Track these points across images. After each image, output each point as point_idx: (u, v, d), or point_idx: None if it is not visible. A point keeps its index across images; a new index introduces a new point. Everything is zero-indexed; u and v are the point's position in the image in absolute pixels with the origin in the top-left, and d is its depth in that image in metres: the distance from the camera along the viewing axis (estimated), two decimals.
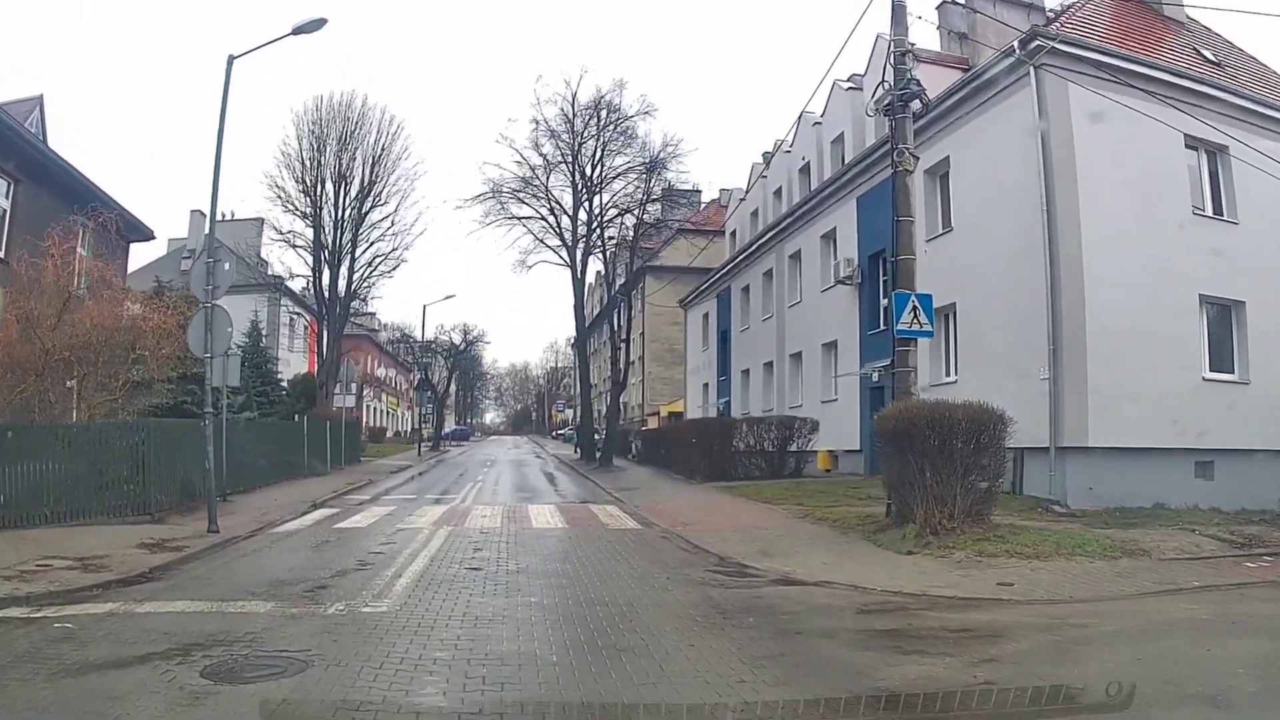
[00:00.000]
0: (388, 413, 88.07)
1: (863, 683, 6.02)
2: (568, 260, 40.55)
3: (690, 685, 5.89)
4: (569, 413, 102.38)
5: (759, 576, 10.92)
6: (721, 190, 68.22)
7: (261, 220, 42.84)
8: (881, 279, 27.57)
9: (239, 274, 41.32)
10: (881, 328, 27.02)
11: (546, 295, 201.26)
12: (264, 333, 40.08)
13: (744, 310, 39.70)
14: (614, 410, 36.64)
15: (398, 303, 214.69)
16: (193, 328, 16.48)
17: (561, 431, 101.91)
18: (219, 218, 50.30)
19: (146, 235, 33.55)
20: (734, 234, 44.20)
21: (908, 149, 15.70)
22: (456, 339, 60.96)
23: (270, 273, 44.02)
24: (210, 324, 15.93)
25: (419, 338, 61.90)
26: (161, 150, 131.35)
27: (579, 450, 44.39)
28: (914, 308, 15.04)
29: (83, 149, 58.30)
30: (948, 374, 23.68)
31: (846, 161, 30.27)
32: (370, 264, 40.71)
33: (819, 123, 34.26)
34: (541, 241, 40.86)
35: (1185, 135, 19.75)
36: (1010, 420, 13.99)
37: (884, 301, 27.36)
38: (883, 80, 16.41)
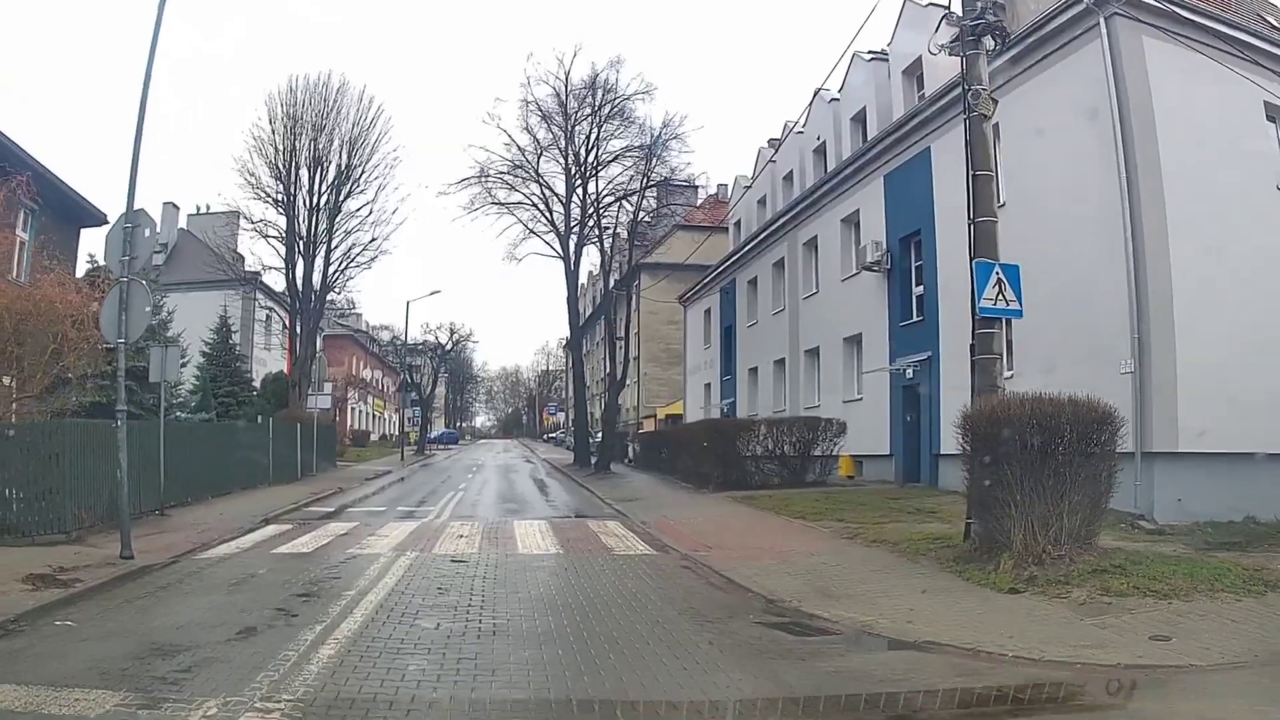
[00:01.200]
0: (373, 416, 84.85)
1: None
2: (560, 251, 37.64)
3: None
4: (560, 416, 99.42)
5: (831, 632, 7.94)
6: (719, 185, 65.82)
7: (238, 214, 39.60)
8: (914, 264, 24.75)
9: (211, 269, 38.73)
10: (915, 318, 24.21)
11: (538, 294, 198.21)
12: (233, 329, 37.00)
13: (751, 304, 36.77)
14: (611, 411, 33.75)
15: (382, 303, 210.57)
16: (105, 307, 13.41)
17: (553, 435, 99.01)
18: (195, 210, 46.74)
19: (98, 219, 30.36)
20: (738, 224, 41.27)
21: (984, 90, 12.72)
22: (443, 338, 57.95)
23: (246, 269, 40.85)
24: (125, 302, 12.85)
25: (402, 337, 59.15)
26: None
27: (573, 455, 41.38)
28: (999, 281, 12.04)
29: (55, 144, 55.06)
30: (1005, 368, 20.85)
31: (870, 138, 27.35)
32: (347, 254, 37.64)
33: (836, 99, 31.40)
34: (532, 231, 37.98)
35: (1265, 103, 17.06)
36: (1122, 420, 11.12)
37: (917, 289, 24.55)
38: (948, 11, 13.38)
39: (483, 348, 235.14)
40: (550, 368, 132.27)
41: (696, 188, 68.10)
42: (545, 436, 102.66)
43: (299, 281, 36.32)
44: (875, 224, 26.09)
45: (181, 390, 31.13)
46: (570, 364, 42.96)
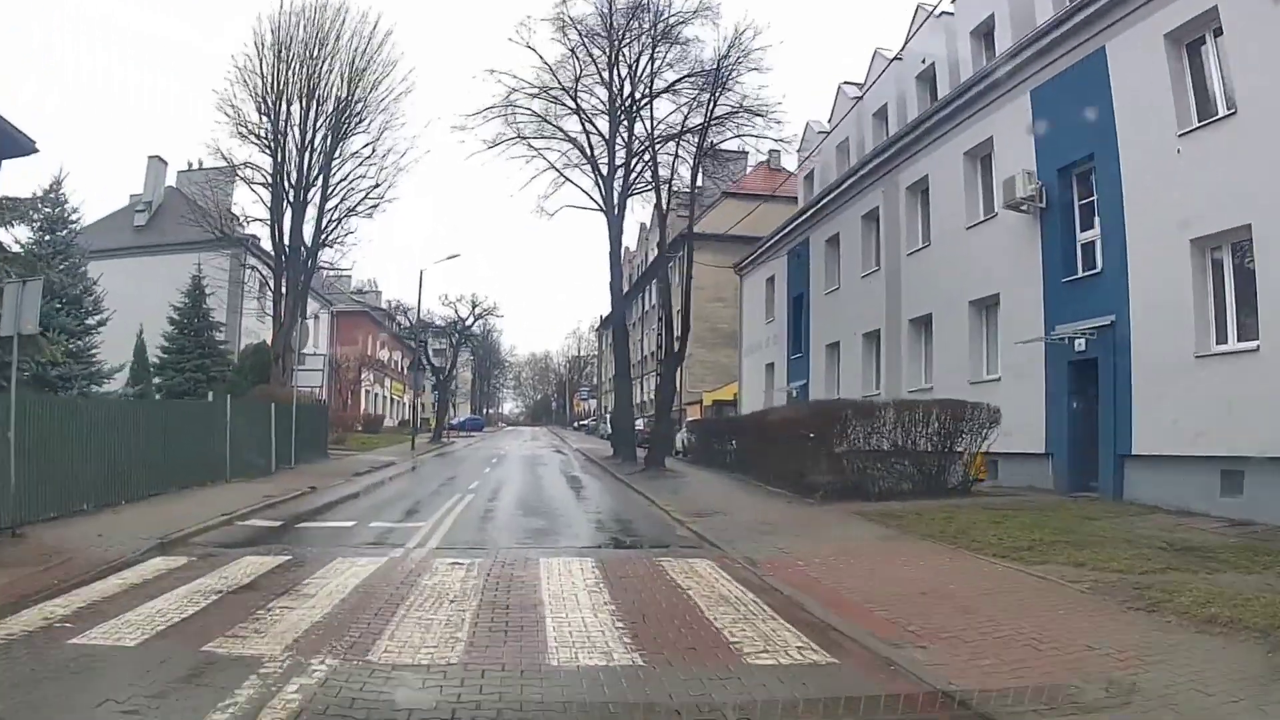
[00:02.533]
0: (391, 400, 79.00)
1: None
2: (600, 201, 31.30)
3: None
4: (592, 403, 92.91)
5: None
6: (771, 151, 59.42)
7: (234, 169, 33.37)
8: (1079, 202, 18.34)
9: (199, 229, 32.64)
10: (1086, 271, 17.82)
11: (569, 270, 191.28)
12: (208, 291, 30.98)
13: (830, 267, 30.36)
14: (667, 392, 27.26)
15: (403, 280, 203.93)
16: None
17: (584, 422, 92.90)
18: (187, 166, 40.64)
19: (26, 149, 24.26)
20: (810, 177, 34.78)
21: None
22: (463, 311, 51.55)
23: (241, 230, 34.76)
24: None
25: (417, 309, 52.95)
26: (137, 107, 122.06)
27: (612, 445, 35.05)
28: None
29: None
30: (1240, 337, 14.61)
31: (1004, 49, 20.83)
32: (344, 200, 31.49)
33: (948, 13, 24.85)
34: (567, 179, 31.78)
35: None
36: None
37: (1085, 235, 18.12)
38: None
39: (510, 332, 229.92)
40: (581, 352, 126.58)
41: (745, 154, 62.70)
42: (576, 424, 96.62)
43: (286, 234, 30.25)
44: (1018, 154, 19.73)
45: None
46: (611, 338, 36.17)
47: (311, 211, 30.84)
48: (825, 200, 30.50)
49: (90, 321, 21.20)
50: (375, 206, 32.18)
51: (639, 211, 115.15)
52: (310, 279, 32.00)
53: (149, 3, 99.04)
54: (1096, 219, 17.72)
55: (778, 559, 10.12)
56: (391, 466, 28.21)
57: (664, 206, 29.85)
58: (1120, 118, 16.77)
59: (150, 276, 33.71)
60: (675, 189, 33.93)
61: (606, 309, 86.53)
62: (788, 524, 13.22)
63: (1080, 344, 17.37)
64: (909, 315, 24.54)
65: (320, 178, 30.80)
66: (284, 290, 29.87)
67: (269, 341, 31.10)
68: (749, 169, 60.00)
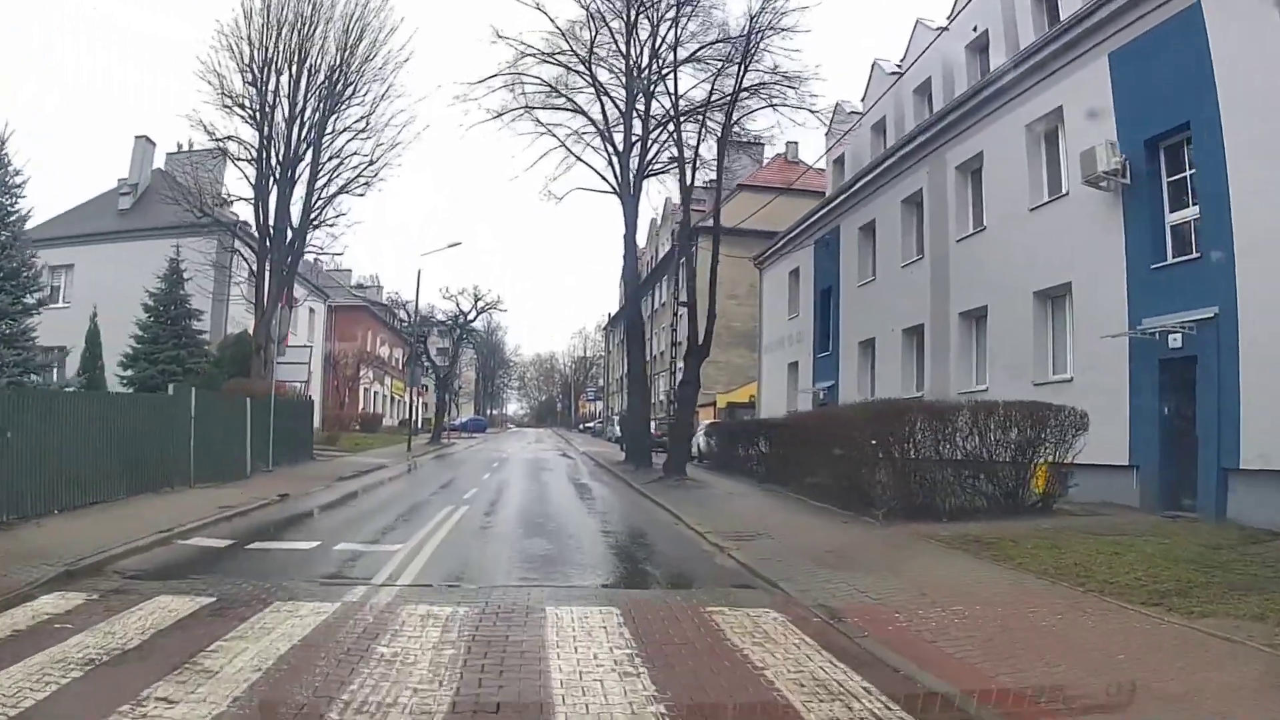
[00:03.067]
0: (392, 399, 76.46)
1: None
2: (615, 181, 28.73)
3: None
4: (598, 404, 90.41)
5: None
6: (788, 143, 57.32)
7: (217, 143, 30.71)
8: (1167, 180, 15.88)
9: (187, 213, 30.13)
10: (1180, 256, 15.40)
11: (577, 267, 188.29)
12: (186, 277, 28.47)
13: (863, 257, 27.86)
14: (690, 392, 24.46)
15: (404, 274, 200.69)
16: None
17: (590, 424, 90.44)
18: (177, 148, 38.11)
19: None
20: (841, 161, 32.27)
21: None
22: (465, 304, 48.90)
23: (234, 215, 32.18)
24: None
25: (417, 304, 50.48)
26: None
27: (624, 449, 32.55)
28: None
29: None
30: None
31: (1072, 12, 18.30)
32: (335, 176, 28.92)
33: None
34: (578, 158, 29.26)
35: None
36: None
37: (1175, 216, 15.64)
38: None
39: (515, 332, 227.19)
40: (588, 353, 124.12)
41: (761, 144, 60.39)
42: (581, 426, 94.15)
43: (271, 214, 27.75)
44: (1094, 125, 17.15)
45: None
46: (622, 334, 33.36)
47: (300, 190, 28.33)
48: (859, 184, 27.98)
49: (29, 300, 18.67)
50: (369, 184, 29.55)
51: (651, 196, 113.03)
52: (297, 262, 29.45)
53: (149, 3, 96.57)
54: (1193, 197, 15.24)
55: (864, 608, 7.58)
56: (381, 470, 25.75)
57: (689, 179, 27.19)
58: (1222, 80, 14.31)
59: (131, 262, 31.21)
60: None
61: (614, 307, 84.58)
62: (854, 552, 10.64)
63: (1175, 340, 14.86)
64: (959, 308, 22.00)
65: (310, 152, 28.27)
66: (268, 274, 27.33)
67: (251, 331, 28.56)
68: (765, 162, 57.84)
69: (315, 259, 62.75)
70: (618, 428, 56.68)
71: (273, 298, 26.77)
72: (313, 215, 28.47)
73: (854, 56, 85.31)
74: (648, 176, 28.92)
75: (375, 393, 71.88)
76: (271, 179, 27.95)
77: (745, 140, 35.73)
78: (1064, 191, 18.12)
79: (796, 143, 58.16)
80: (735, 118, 26.88)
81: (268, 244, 27.44)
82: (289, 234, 28.02)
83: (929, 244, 23.78)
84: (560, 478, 24.73)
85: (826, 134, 32.82)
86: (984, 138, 21.40)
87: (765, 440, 22.17)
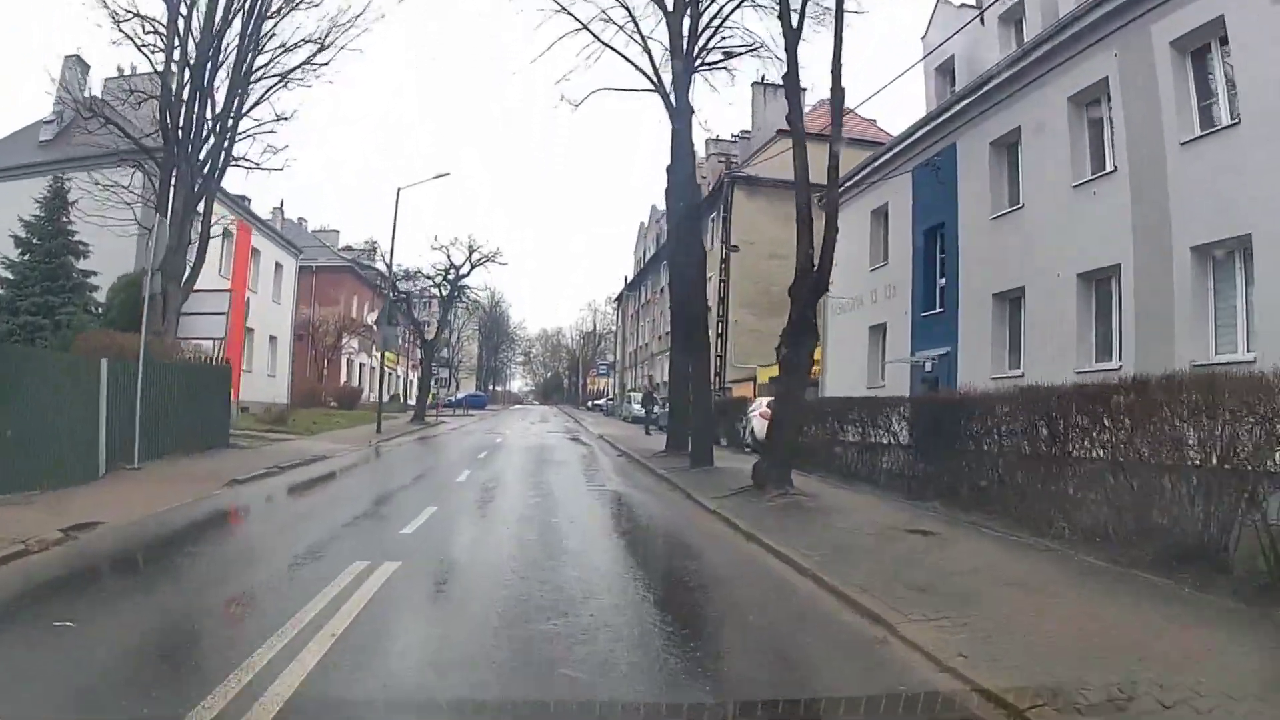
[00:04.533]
0: (383, 371, 68.63)
1: None
2: (652, 76, 20.93)
3: None
4: (609, 379, 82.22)
5: None
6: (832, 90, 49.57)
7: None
8: None
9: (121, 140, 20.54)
10: None
11: (586, 246, 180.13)
12: (71, 199, 20.80)
13: (998, 181, 20.13)
14: (804, 344, 15.27)
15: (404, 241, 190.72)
16: None
17: (599, 402, 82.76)
18: (118, 72, 29.97)
19: None
20: (947, 68, 24.52)
21: None
22: (457, 257, 40.80)
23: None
24: None
25: (405, 258, 42.45)
26: None
27: (665, 436, 24.79)
28: None
29: None
30: None
31: None
32: (273, 60, 21.08)
33: None
34: (607, 45, 21.41)
35: None
36: None
37: None
38: None
39: (520, 306, 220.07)
40: (597, 327, 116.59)
41: (803, 90, 53.44)
42: (590, 404, 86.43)
43: (182, 115, 19.98)
44: None
45: None
46: (672, 268, 24.30)
47: (223, 75, 20.50)
48: (989, 86, 20.16)
49: None
50: (317, 71, 21.63)
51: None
52: (218, 171, 21.51)
53: None
54: None
55: None
56: (316, 465, 18.14)
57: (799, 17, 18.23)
58: None
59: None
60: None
61: (625, 276, 76.37)
62: None
63: None
64: (1191, 240, 14.28)
65: (238, 20, 20.43)
66: (173, 189, 19.51)
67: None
68: (809, 108, 50.35)
69: (282, 212, 55.74)
70: (636, 405, 48.93)
71: (178, 224, 19.03)
72: (243, 106, 20.66)
73: None
74: (700, 69, 21.00)
75: (362, 364, 64.36)
76: (184, 63, 20.16)
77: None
78: None
79: (844, 88, 50.61)
80: None
81: (175, 150, 19.62)
82: (205, 134, 20.23)
83: (1125, 153, 16.03)
84: (575, 482, 16.74)
85: (923, 38, 25.03)
86: None
87: (909, 428, 14.39)
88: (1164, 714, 4.57)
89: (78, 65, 27.05)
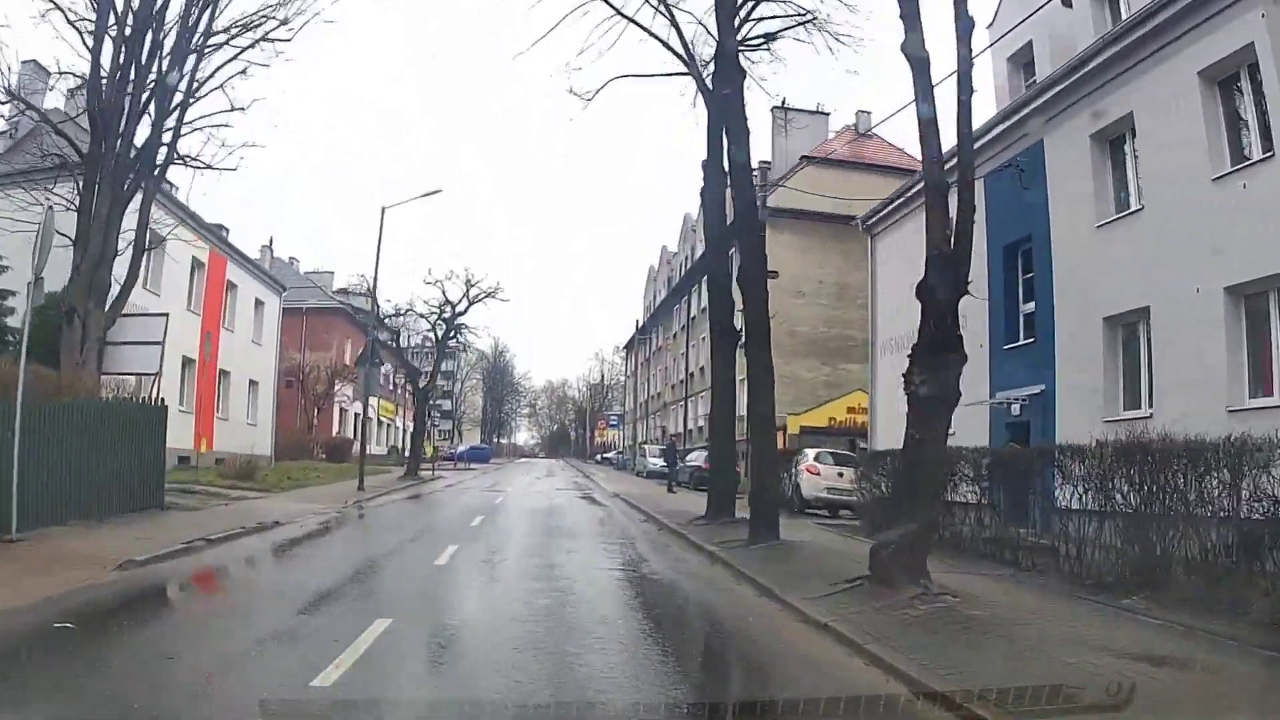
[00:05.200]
0: (378, 422, 65.08)
1: None
2: (683, 54, 17.44)
3: None
4: (619, 430, 78.19)
5: None
6: (859, 112, 47.70)
7: None
8: None
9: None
10: None
11: (591, 284, 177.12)
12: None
13: (1102, 180, 16.56)
14: (947, 376, 11.11)
15: (396, 282, 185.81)
16: None
17: (608, 455, 78.71)
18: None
19: None
20: (1023, 59, 21.19)
21: None
22: (453, 293, 36.93)
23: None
24: None
25: (405, 311, 38.67)
26: None
27: (674, 489, 20.90)
28: None
29: None
30: None
31: None
32: (226, 32, 17.64)
33: None
34: (628, 18, 17.80)
35: None
36: None
37: None
38: None
39: (525, 357, 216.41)
40: (605, 379, 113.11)
41: (826, 115, 51.43)
42: (599, 457, 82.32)
43: (110, 93, 16.49)
44: None
45: None
46: (704, 297, 20.42)
47: (170, 45, 17.02)
48: (1091, 65, 16.69)
49: None
50: (278, 47, 18.11)
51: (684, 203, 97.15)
52: (157, 173, 17.92)
53: None
54: None
55: None
56: (269, 533, 14.37)
57: None
58: None
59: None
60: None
61: (633, 325, 72.30)
62: None
63: None
64: None
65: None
66: (97, 189, 15.90)
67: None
68: (830, 134, 47.51)
69: (271, 250, 52.24)
70: (653, 459, 44.99)
71: (102, 227, 15.45)
72: (191, 89, 17.17)
73: None
74: (747, 45, 17.36)
75: (356, 414, 60.58)
76: (120, 32, 16.66)
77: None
78: None
79: (869, 112, 47.70)
80: None
81: (102, 146, 16.11)
82: (141, 122, 16.73)
83: None
84: (598, 567, 12.45)
85: (989, 26, 21.68)
86: None
87: (1089, 486, 10.34)
88: None
89: None
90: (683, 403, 55.35)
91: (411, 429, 48.45)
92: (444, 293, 36.30)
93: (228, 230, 35.81)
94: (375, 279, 28.37)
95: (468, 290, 36.24)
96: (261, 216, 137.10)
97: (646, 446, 51.30)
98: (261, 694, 5.26)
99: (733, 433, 17.86)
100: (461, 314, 36.85)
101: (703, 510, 17.63)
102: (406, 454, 55.52)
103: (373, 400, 63.88)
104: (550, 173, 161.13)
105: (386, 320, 37.56)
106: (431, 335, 38.91)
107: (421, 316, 37.71)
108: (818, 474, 20.86)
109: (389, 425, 67.18)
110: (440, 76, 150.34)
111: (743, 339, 17.43)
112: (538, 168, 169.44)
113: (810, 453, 22.54)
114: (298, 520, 16.20)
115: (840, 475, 20.87)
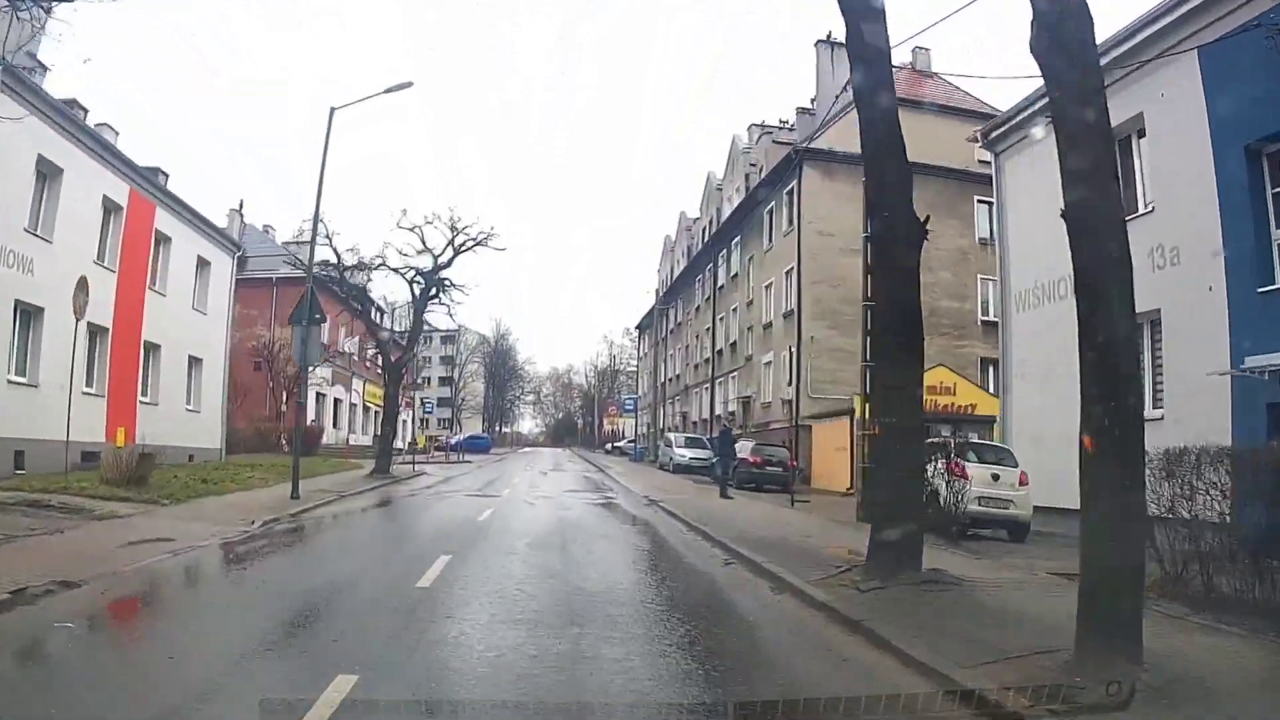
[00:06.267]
0: (366, 409, 58.40)
1: None
2: None
3: None
4: (634, 416, 70.88)
5: None
6: (916, 49, 41.46)
7: None
8: None
9: None
10: None
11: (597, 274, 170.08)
12: None
13: None
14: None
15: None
16: None
17: (620, 444, 71.95)
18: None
19: None
20: None
21: None
22: (436, 239, 29.72)
23: None
24: None
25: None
26: None
27: (728, 493, 14.24)
28: None
29: None
30: None
31: None
32: None
33: None
34: None
35: None
36: None
37: None
38: None
39: (528, 342, 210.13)
40: (614, 362, 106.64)
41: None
42: (609, 447, 75.37)
43: None
44: None
45: None
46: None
47: None
48: None
49: None
50: None
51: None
52: None
53: None
54: None
55: None
56: (41, 602, 7.92)
57: None
58: None
59: None
60: None
61: (653, 295, 64.99)
62: None
63: None
64: None
65: None
66: None
67: None
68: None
69: (241, 214, 45.61)
70: (680, 450, 38.14)
71: None
72: None
73: None
74: None
75: (342, 401, 54.11)
76: None
77: None
78: None
79: (927, 49, 41.11)
80: None
81: None
82: None
83: None
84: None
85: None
86: None
87: None
88: None
89: None
90: (707, 384, 48.70)
91: (401, 412, 42.00)
92: (423, 239, 29.29)
93: (166, 176, 29.31)
94: (318, 202, 21.93)
95: (453, 238, 29.16)
96: (261, 218, 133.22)
97: (672, 435, 44.47)
98: None
99: (919, 420, 10.57)
100: (445, 266, 29.66)
101: (826, 538, 11.00)
102: (408, 444, 49.42)
103: (358, 383, 57.72)
104: (550, 166, 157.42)
105: (346, 273, 30.64)
106: (411, 298, 31.78)
107: (395, 271, 30.57)
108: (967, 477, 14.15)
109: (373, 410, 60.13)
110: (438, 69, 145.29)
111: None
112: (537, 161, 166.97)
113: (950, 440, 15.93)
114: (132, 565, 9.58)
115: (996, 479, 14.33)
